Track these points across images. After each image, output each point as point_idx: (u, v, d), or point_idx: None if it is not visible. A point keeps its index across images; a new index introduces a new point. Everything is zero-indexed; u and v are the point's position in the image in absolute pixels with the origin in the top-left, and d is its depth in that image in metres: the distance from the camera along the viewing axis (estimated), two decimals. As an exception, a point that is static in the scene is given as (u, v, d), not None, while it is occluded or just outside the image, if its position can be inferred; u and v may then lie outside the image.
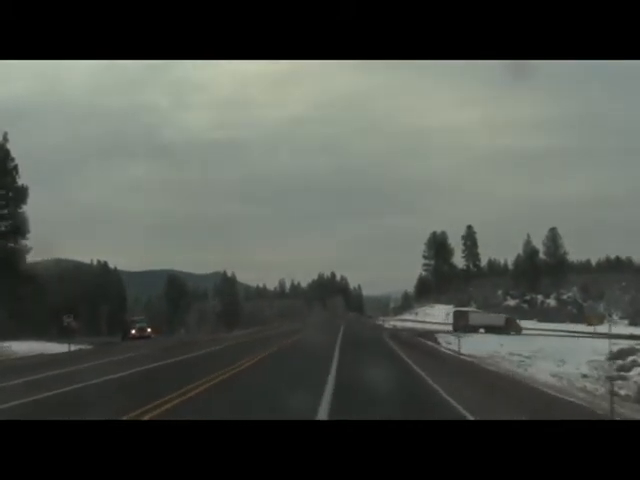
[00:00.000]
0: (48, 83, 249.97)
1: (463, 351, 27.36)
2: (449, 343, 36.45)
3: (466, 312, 63.80)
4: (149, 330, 52.18)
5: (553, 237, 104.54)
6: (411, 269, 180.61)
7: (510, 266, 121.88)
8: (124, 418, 7.61)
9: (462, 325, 54.69)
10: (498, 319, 59.20)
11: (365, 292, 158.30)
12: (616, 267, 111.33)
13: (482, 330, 54.88)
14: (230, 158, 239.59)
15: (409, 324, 78.78)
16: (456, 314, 62.37)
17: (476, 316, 61.18)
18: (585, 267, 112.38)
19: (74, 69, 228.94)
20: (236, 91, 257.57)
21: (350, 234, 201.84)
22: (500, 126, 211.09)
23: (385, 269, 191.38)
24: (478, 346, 30.68)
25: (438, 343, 37.01)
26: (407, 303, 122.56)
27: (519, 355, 27.49)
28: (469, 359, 24.48)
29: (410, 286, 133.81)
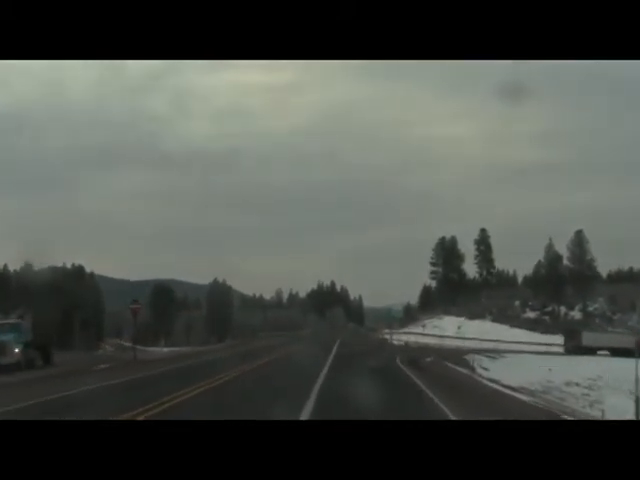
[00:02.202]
0: (49, 90, 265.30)
1: (510, 382, 23.67)
2: (486, 369, 32.71)
3: (578, 331, 60.49)
4: (17, 350, 30.42)
5: (579, 241, 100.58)
6: (413, 281, 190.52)
7: (519, 277, 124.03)
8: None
9: (573, 346, 52.38)
10: (626, 340, 53.11)
11: (366, 303, 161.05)
12: (629, 278, 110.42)
13: (606, 352, 51.24)
14: (230, 168, 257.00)
15: (421, 339, 75.25)
16: (568, 333, 59.66)
17: (593, 336, 56.99)
18: (595, 277, 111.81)
19: (75, 76, 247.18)
20: (236, 101, 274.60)
21: (351, 245, 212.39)
22: (501, 138, 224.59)
23: (386, 280, 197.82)
24: (522, 372, 26.98)
25: (473, 370, 31.69)
26: (410, 315, 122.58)
27: (577, 385, 25.04)
28: (525, 397, 19.99)
29: (413, 298, 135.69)
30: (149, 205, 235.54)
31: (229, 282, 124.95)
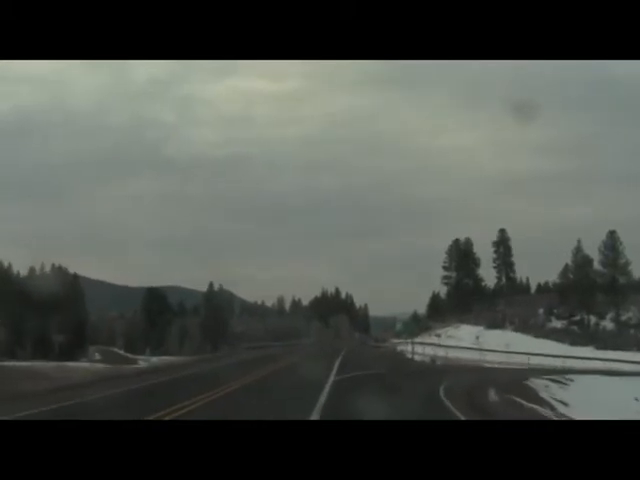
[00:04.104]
0: (53, 98, 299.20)
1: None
2: (565, 403, 26.55)
3: None
4: None
5: (613, 244, 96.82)
6: (420, 289, 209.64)
7: (532, 285, 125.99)
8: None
9: None
10: None
11: (371, 312, 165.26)
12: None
13: None
14: (234, 175, 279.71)
15: (452, 353, 66.89)
16: None
17: None
18: (630, 284, 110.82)
19: (80, 83, 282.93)
20: (241, 109, 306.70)
21: (355, 253, 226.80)
22: (507, 147, 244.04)
23: (392, 289, 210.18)
24: (607, 405, 23.83)
25: (552, 409, 24.72)
26: (421, 324, 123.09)
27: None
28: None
29: (420, 306, 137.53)
30: (152, 211, 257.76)
31: (231, 289, 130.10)
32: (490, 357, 63.82)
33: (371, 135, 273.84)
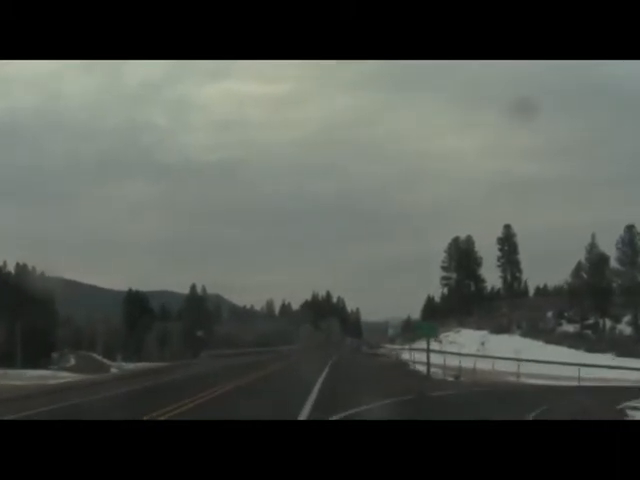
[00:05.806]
0: (46, 101, 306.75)
1: None
2: None
3: None
4: None
5: (631, 239, 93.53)
6: (413, 294, 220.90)
7: (531, 288, 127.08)
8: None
9: None
10: None
11: (362, 317, 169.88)
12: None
13: None
14: (229, 179, 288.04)
15: (480, 365, 53.60)
16: None
17: None
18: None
19: (71, 85, 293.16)
20: (236, 111, 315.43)
21: (349, 258, 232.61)
22: (507, 149, 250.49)
23: (384, 293, 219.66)
24: None
25: None
26: (411, 329, 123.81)
27: None
28: None
29: (414, 311, 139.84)
30: (146, 215, 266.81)
31: (221, 293, 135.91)
32: (523, 368, 53.74)
33: (369, 137, 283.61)
